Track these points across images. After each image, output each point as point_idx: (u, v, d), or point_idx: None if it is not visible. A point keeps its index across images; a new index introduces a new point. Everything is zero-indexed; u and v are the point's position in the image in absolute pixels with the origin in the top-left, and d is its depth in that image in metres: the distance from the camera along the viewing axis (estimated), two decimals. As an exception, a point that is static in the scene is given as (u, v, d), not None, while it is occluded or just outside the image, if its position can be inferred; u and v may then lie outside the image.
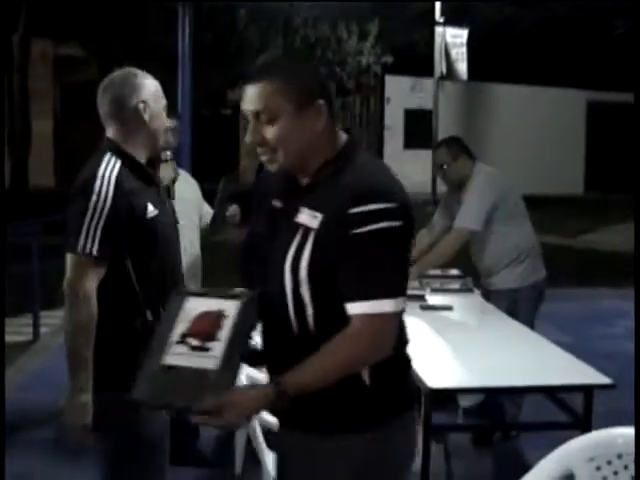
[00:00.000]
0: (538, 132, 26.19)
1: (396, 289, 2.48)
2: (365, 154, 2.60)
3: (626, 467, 2.60)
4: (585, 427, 3.84)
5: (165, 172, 4.87)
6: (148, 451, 3.29)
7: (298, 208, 2.51)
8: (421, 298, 5.58)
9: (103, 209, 3.08)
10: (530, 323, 5.28)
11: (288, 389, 2.35)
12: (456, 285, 6.01)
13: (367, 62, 21.20)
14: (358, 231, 2.38)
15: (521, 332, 4.96)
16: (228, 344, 2.34)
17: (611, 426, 2.75)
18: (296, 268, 2.45)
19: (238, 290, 2.57)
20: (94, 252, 3.06)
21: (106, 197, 3.09)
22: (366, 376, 2.51)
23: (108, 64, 20.42)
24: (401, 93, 26.33)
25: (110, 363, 3.16)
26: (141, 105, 3.27)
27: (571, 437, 2.79)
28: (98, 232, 3.07)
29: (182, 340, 2.37)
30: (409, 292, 5.60)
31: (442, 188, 21.51)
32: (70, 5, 18.89)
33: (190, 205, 5.23)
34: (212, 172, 23.76)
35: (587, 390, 4.00)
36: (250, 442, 4.09)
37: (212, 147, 23.81)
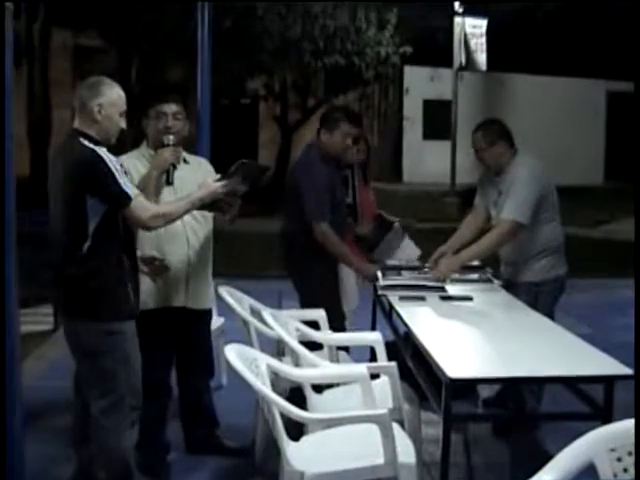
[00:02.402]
0: (558, 122, 26.08)
1: None
2: None
3: (647, 458, 2.60)
4: (606, 418, 3.83)
5: (160, 156, 4.87)
6: (123, 368, 4.17)
7: None
8: (441, 289, 5.57)
9: (115, 164, 4.08)
10: (549, 317, 5.24)
11: None
12: (475, 276, 5.98)
13: (386, 52, 21.08)
14: None
15: (541, 323, 4.95)
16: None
17: (632, 417, 2.74)
18: None
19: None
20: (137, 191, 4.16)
21: (111, 158, 4.08)
22: None
23: (127, 54, 20.51)
24: (420, 83, 26.27)
25: (93, 301, 4.13)
26: (96, 107, 4.13)
27: (592, 428, 2.79)
28: (127, 179, 4.15)
29: None
30: (429, 283, 5.63)
31: (462, 179, 21.41)
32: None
33: None
34: (231, 162, 23.64)
35: (608, 381, 3.99)
36: (270, 431, 4.10)
37: (231, 137, 23.80)
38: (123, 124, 4.25)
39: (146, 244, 4.92)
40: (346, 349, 5.63)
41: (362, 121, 6.31)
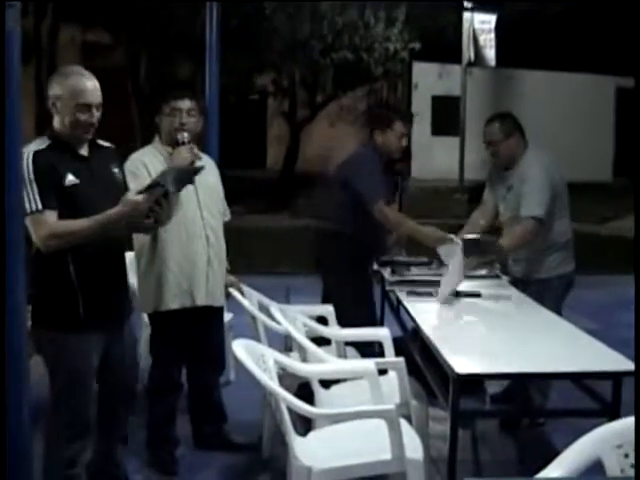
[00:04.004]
0: (567, 118, 26.04)
1: None
2: None
3: (654, 454, 2.60)
4: (613, 414, 3.83)
5: (178, 155, 4.82)
6: (75, 377, 4.02)
7: None
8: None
9: (30, 173, 3.78)
10: (557, 313, 5.22)
11: None
12: (483, 272, 5.98)
13: (394, 48, 21.04)
14: None
15: (549, 319, 4.95)
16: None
17: (640, 413, 2.74)
18: None
19: None
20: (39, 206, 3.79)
21: (27, 165, 3.77)
22: None
23: (135, 50, 20.52)
24: (429, 79, 26.22)
25: (47, 308, 3.99)
26: (50, 102, 3.97)
27: (599, 424, 2.79)
28: (35, 190, 3.79)
29: None
30: (437, 279, 5.63)
31: (471, 175, 21.27)
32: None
33: (214, 193, 5.20)
34: (239, 159, 23.59)
35: (615, 377, 3.99)
36: (278, 426, 4.11)
37: (239, 133, 23.80)
38: (84, 117, 3.95)
39: (170, 244, 4.90)
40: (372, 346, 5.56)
41: (413, 117, 6.24)
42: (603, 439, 2.71)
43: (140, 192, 3.98)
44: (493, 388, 5.90)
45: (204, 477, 5.04)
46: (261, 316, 5.20)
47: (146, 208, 4.01)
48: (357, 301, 5.75)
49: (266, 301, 5.44)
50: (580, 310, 7.15)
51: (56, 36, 22.25)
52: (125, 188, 4.24)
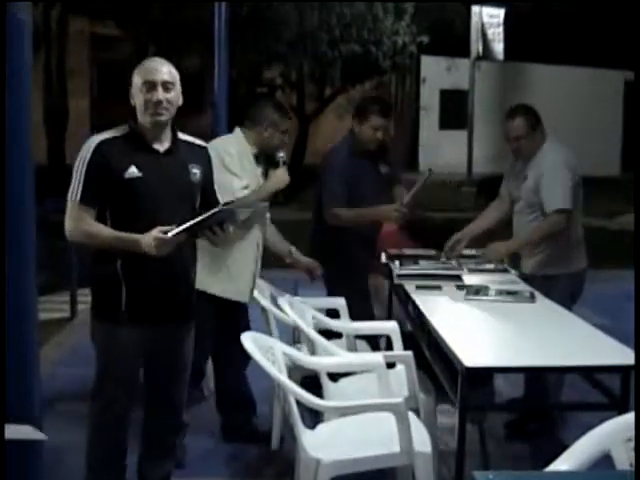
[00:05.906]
0: (575, 112, 25.97)
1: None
2: None
3: (664, 448, 2.59)
4: (622, 408, 3.83)
5: (280, 177, 4.90)
6: (111, 369, 4.04)
7: None
8: (457, 278, 5.56)
9: (83, 164, 3.78)
10: (567, 309, 5.16)
11: None
12: (491, 265, 5.96)
13: (403, 42, 21.03)
14: None
15: (557, 313, 4.94)
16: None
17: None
18: None
19: None
20: (78, 198, 3.79)
21: (86, 154, 3.80)
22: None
23: (144, 43, 20.51)
24: (437, 73, 26.19)
25: (95, 297, 4.02)
26: (130, 95, 3.90)
27: (608, 418, 2.79)
28: (81, 182, 3.79)
29: None
30: (445, 272, 5.60)
31: (478, 168, 21.14)
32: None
33: None
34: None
35: (624, 371, 3.98)
36: (287, 418, 4.11)
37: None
38: (148, 96, 3.84)
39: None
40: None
41: (391, 112, 6.13)
42: (612, 432, 2.71)
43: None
44: (510, 392, 5.85)
45: (211, 467, 5.04)
46: (272, 308, 5.20)
47: (173, 247, 3.77)
48: (353, 296, 5.70)
49: (276, 293, 5.44)
50: (589, 304, 7.14)
51: (65, 28, 22.26)
52: (204, 188, 4.13)
